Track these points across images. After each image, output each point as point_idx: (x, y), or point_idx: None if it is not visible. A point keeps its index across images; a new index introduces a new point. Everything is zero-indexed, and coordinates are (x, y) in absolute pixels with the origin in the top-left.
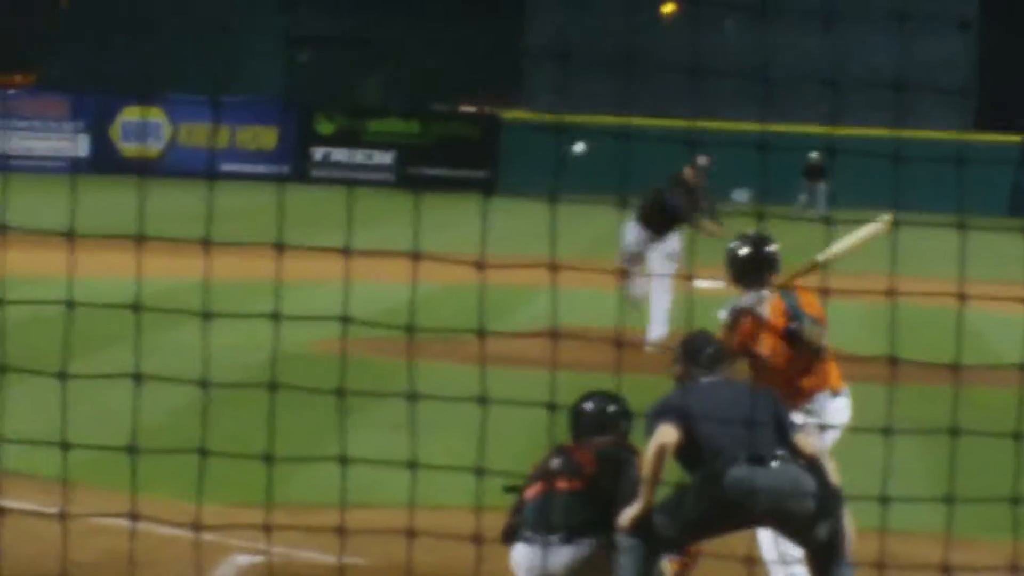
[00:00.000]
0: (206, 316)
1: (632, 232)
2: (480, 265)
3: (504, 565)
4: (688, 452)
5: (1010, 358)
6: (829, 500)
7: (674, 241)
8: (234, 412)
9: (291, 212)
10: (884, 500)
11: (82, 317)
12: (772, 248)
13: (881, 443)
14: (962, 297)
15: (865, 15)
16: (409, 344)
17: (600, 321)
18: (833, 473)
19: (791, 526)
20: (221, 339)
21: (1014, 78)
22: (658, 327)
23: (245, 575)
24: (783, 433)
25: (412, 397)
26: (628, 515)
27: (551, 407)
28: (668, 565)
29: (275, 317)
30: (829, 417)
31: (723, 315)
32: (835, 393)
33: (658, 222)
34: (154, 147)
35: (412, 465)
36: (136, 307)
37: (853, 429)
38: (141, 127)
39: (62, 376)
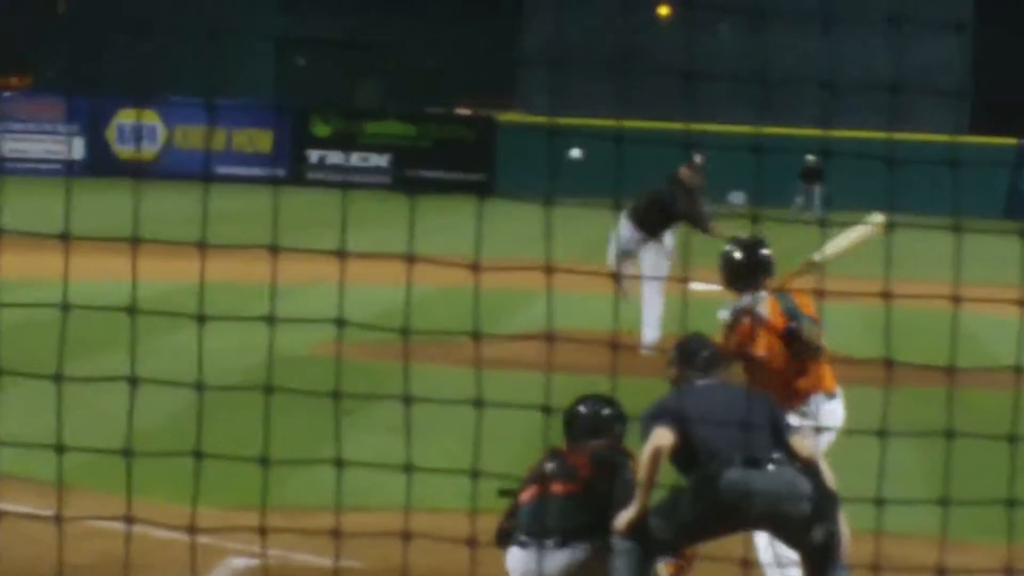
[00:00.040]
0: (201, 319)
1: (625, 230)
2: (475, 268)
3: (499, 568)
4: (684, 455)
5: (1005, 360)
6: (825, 503)
7: (667, 241)
8: (230, 415)
9: (287, 215)
10: (879, 502)
11: (77, 320)
12: (766, 252)
13: (876, 445)
14: (957, 299)
15: (860, 18)
16: (405, 347)
17: (595, 324)
18: (828, 475)
19: (787, 529)
20: (217, 342)
21: (1009, 80)
22: (652, 330)
23: None
24: (779, 436)
25: (408, 400)
26: (624, 518)
27: (546, 410)
28: (663, 568)
29: (271, 320)
30: (823, 419)
31: (724, 315)
32: (829, 395)
33: (653, 222)
34: (150, 150)
35: (408, 468)
36: (131, 310)
37: (848, 431)
38: (137, 130)
39: (57, 379)
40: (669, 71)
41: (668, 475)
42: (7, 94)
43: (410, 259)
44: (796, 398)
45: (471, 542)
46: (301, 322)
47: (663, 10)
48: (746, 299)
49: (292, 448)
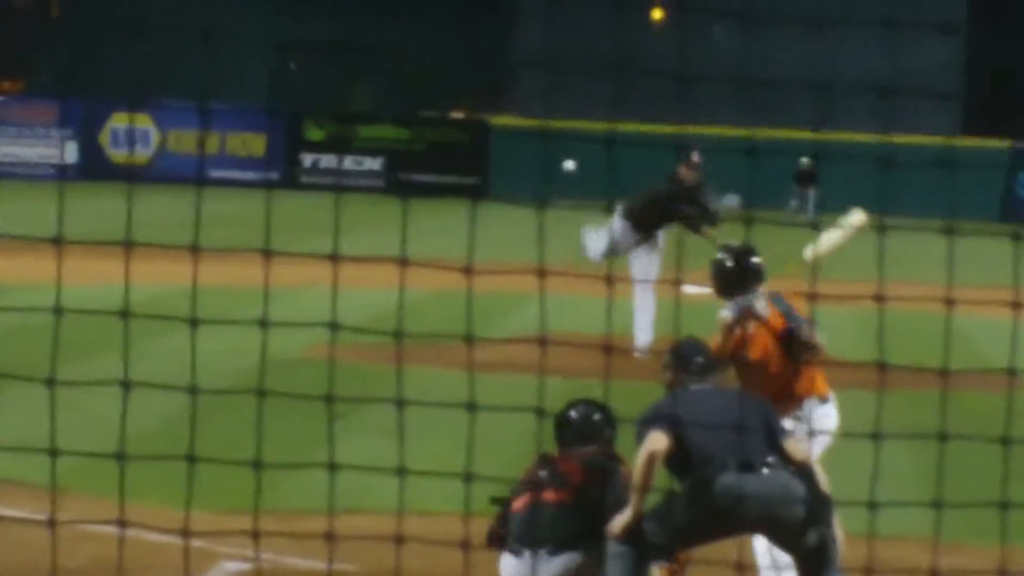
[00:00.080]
0: (194, 323)
1: (620, 230)
2: (468, 271)
3: (492, 571)
4: (678, 459)
5: (998, 363)
6: (819, 506)
7: (660, 243)
8: (223, 419)
9: (281, 218)
10: (872, 505)
11: (71, 324)
12: (757, 260)
13: (870, 448)
14: (950, 302)
15: (853, 21)
16: (397, 350)
17: (588, 327)
18: (822, 479)
19: (781, 533)
20: (210, 345)
21: (1003, 82)
22: (644, 333)
23: None
24: (773, 440)
25: (400, 403)
26: (618, 523)
27: (539, 413)
28: (658, 572)
29: (264, 323)
30: (817, 424)
31: (726, 313)
32: (823, 400)
33: (649, 223)
34: (143, 154)
35: (400, 471)
36: (125, 314)
37: (842, 434)
38: (130, 134)
39: (50, 382)
40: (663, 74)
41: (662, 479)
42: (0, 98)
43: (403, 262)
44: (790, 403)
45: (464, 545)
46: (294, 325)
47: (657, 13)
48: (745, 299)
49: (285, 451)
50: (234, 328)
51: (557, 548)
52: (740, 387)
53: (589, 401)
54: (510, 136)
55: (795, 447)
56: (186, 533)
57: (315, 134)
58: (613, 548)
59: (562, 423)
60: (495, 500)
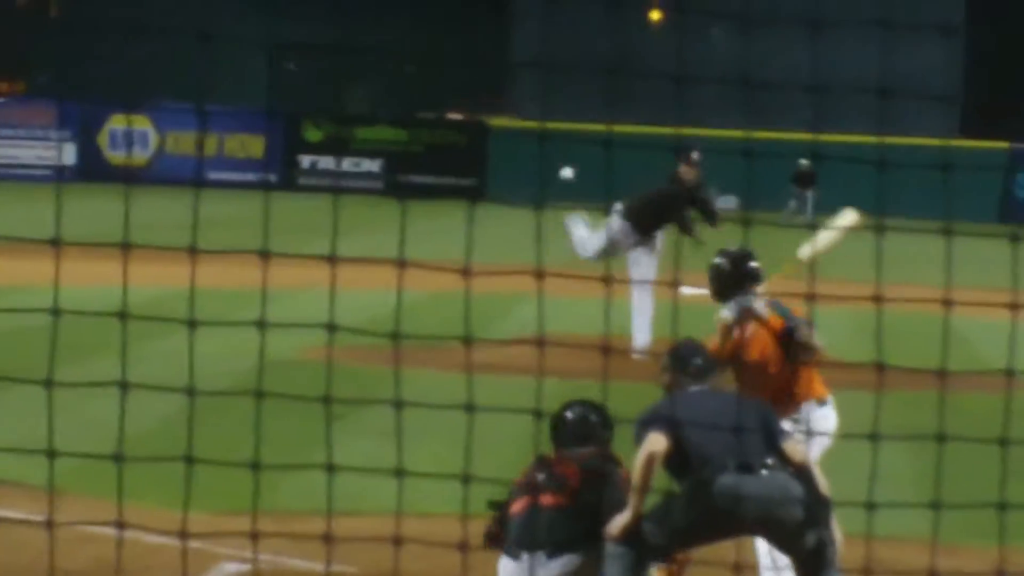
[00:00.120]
0: (192, 324)
1: (619, 230)
2: (466, 272)
3: (490, 572)
4: (677, 460)
5: (996, 364)
6: (817, 508)
7: (658, 244)
8: (220, 420)
9: (279, 220)
10: (871, 506)
11: (68, 325)
12: (754, 264)
13: (868, 449)
14: (948, 303)
15: (851, 22)
16: (395, 351)
17: (586, 328)
18: (821, 480)
19: (780, 534)
20: (208, 347)
21: (1001, 84)
22: (642, 334)
23: None
24: (772, 441)
25: (398, 404)
26: (617, 524)
27: (537, 414)
28: (657, 573)
29: (261, 325)
30: (816, 426)
31: (725, 314)
32: (821, 402)
33: (649, 223)
34: (141, 155)
35: (399, 472)
36: (123, 315)
37: (840, 435)
38: (128, 135)
39: (48, 384)
40: (661, 75)
41: (660, 480)
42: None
43: (401, 264)
44: (788, 405)
45: (462, 546)
46: (292, 327)
47: (655, 14)
48: (745, 299)
49: (283, 453)
50: (232, 330)
51: (555, 551)
52: (739, 389)
53: (585, 402)
54: (508, 137)
55: (794, 448)
56: (184, 534)
57: (313, 136)
58: (612, 549)
59: (558, 424)
60: (493, 504)
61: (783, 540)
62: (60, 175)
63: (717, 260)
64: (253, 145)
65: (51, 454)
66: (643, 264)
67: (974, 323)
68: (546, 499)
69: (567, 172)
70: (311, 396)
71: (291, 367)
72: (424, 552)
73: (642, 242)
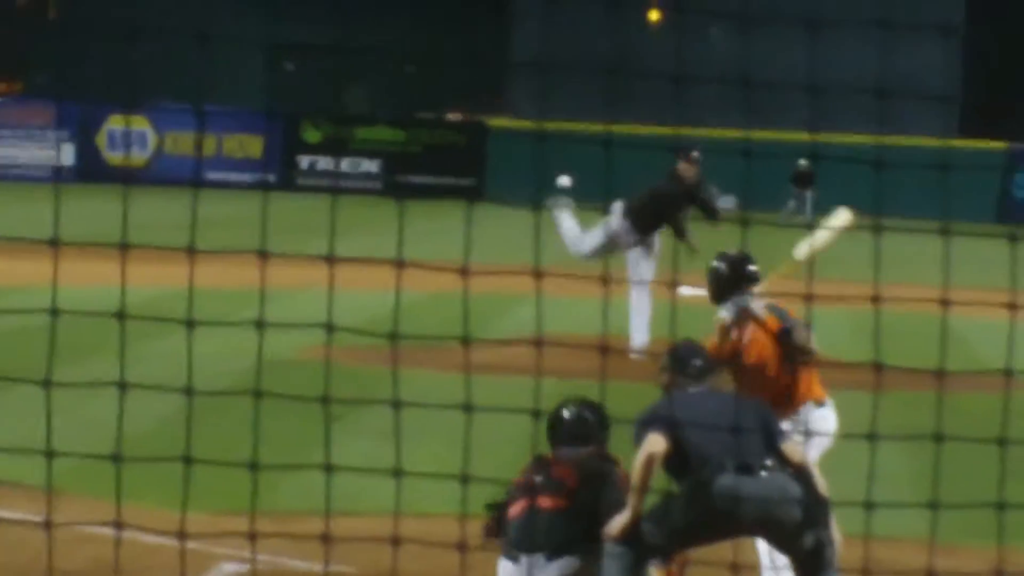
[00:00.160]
0: (191, 324)
1: (619, 228)
2: (465, 272)
3: (488, 572)
4: (676, 461)
5: (994, 364)
6: (816, 508)
7: (655, 244)
8: (219, 420)
9: (278, 220)
10: (869, 506)
11: (67, 325)
12: (753, 268)
13: (866, 449)
14: (946, 303)
15: (851, 22)
16: (394, 351)
17: (584, 328)
18: (820, 481)
19: (778, 534)
20: (206, 347)
21: (999, 84)
22: (640, 334)
23: None
24: (771, 441)
25: (397, 405)
26: (616, 524)
27: (536, 414)
28: (656, 574)
29: (260, 325)
30: (815, 427)
31: (723, 315)
32: (819, 404)
33: (648, 222)
34: (140, 156)
35: (397, 473)
36: (121, 315)
37: (838, 435)
38: (127, 136)
39: (47, 384)
40: (660, 76)
41: (659, 480)
42: None
43: (399, 264)
44: (788, 408)
45: (460, 546)
46: (291, 327)
47: (653, 15)
48: (739, 299)
49: (281, 453)
50: (231, 330)
51: (554, 553)
52: (738, 391)
53: (581, 400)
54: (507, 137)
55: (792, 449)
56: (183, 535)
57: (312, 136)
58: (610, 549)
59: (555, 422)
60: (490, 506)
61: (782, 540)
62: (58, 175)
63: (715, 263)
64: (252, 145)
65: (49, 454)
66: (641, 264)
67: (972, 323)
68: (544, 501)
69: (564, 180)
70: (309, 396)
71: (290, 367)
72: (422, 552)
73: (641, 241)
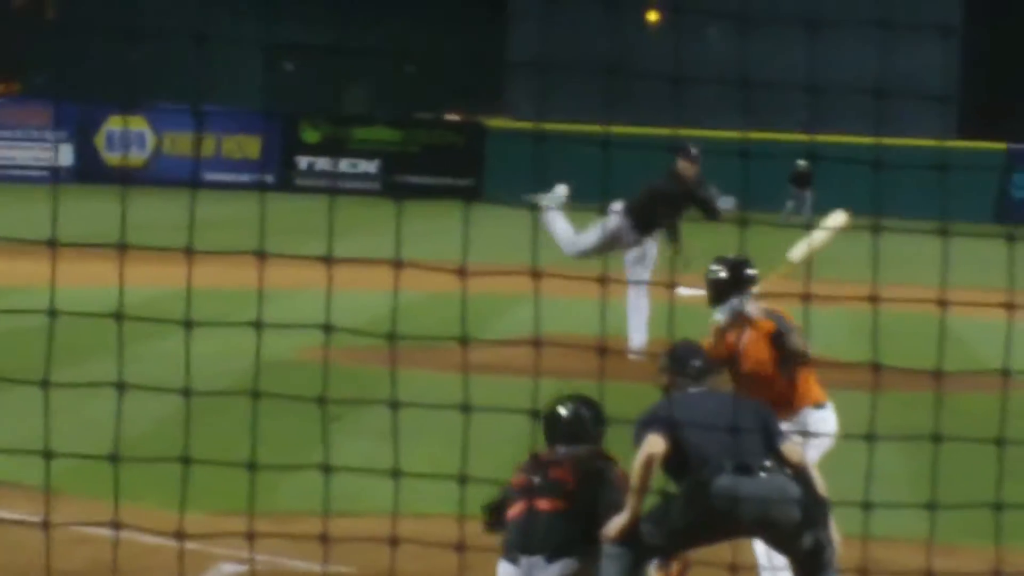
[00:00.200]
0: (189, 325)
1: (619, 227)
2: (463, 273)
3: (487, 573)
4: (676, 462)
5: (992, 364)
6: (815, 509)
7: (654, 243)
8: (217, 420)
9: (276, 221)
10: (867, 506)
11: (65, 326)
12: (751, 272)
13: (864, 449)
14: (944, 303)
15: (849, 22)
16: (392, 352)
17: (583, 328)
18: (819, 482)
19: (777, 535)
20: (204, 347)
21: (998, 84)
22: (639, 334)
23: None
24: (771, 442)
25: (395, 405)
26: (615, 524)
27: (534, 415)
28: (655, 574)
29: (258, 325)
30: (815, 428)
31: (719, 317)
32: (818, 406)
33: (648, 221)
34: (138, 156)
35: (395, 473)
36: (119, 316)
37: (836, 435)
38: (125, 136)
39: (45, 385)
40: (658, 76)
41: (658, 480)
42: None
43: (398, 264)
44: (786, 411)
45: (459, 547)
46: (289, 327)
47: (652, 15)
48: (737, 301)
49: (280, 453)
50: (229, 330)
51: (553, 555)
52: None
53: (577, 397)
54: (505, 138)
55: (792, 449)
56: (181, 535)
57: (310, 136)
58: (609, 549)
59: (551, 420)
60: (488, 508)
61: (781, 541)
62: (56, 176)
63: (714, 268)
64: (250, 146)
65: (48, 455)
66: (640, 264)
67: (970, 323)
68: (543, 503)
69: (561, 190)
70: (308, 397)
71: (288, 368)
72: (421, 552)
73: (640, 241)
